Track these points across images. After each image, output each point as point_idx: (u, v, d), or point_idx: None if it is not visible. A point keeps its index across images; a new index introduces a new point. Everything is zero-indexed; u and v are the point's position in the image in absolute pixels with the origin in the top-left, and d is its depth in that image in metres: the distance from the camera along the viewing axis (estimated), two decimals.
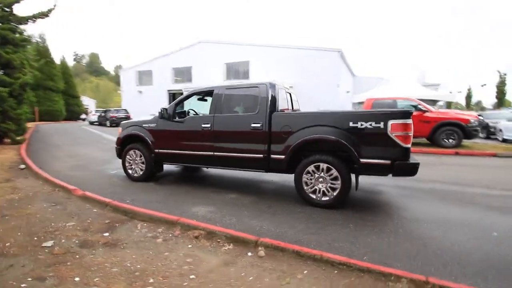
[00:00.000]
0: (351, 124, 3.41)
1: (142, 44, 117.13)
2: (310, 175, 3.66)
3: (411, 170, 3.25)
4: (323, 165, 3.56)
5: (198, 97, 5.02)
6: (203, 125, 4.30)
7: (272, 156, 3.87)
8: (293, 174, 3.78)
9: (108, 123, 20.82)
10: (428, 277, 1.95)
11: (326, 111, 3.71)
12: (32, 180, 5.04)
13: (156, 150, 4.75)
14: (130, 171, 5.11)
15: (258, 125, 3.90)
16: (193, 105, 5.18)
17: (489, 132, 13.01)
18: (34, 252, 2.43)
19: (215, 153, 4.24)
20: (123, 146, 5.18)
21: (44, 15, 9.76)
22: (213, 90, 4.44)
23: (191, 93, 4.70)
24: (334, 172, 3.51)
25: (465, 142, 9.24)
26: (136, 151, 4.97)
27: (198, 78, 21.51)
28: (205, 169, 5.93)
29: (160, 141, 4.73)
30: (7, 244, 2.57)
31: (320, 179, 3.61)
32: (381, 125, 3.27)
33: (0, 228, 2.90)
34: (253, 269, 2.14)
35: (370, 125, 3.32)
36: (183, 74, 23.05)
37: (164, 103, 23.32)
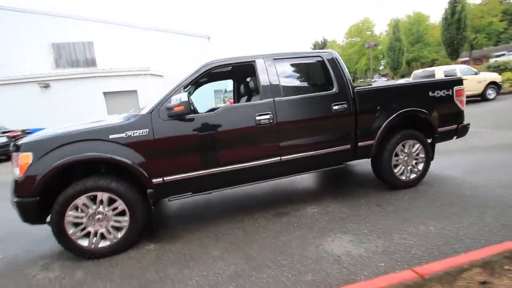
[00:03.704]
0: (430, 93, 3.28)
1: None
2: (397, 156, 3.23)
3: (467, 130, 3.64)
4: (411, 142, 3.25)
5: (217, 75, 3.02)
6: (258, 118, 2.64)
7: (359, 143, 3.05)
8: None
9: None
10: None
11: (409, 83, 3.36)
12: None
13: (157, 180, 2.44)
14: (83, 243, 2.35)
15: (343, 106, 2.90)
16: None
17: None
18: None
19: (282, 158, 2.76)
20: (49, 193, 2.28)
21: None
22: (254, 61, 2.79)
23: (210, 66, 2.69)
24: (419, 147, 3.30)
25: None
26: (101, 194, 2.32)
27: None
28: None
29: (166, 160, 2.46)
30: None
31: (406, 158, 3.29)
32: (450, 92, 3.38)
33: None
34: None
35: (444, 93, 3.34)
36: None
37: None
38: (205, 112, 2.69)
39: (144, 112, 2.48)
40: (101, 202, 2.35)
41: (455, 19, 20.46)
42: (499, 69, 16.27)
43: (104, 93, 12.94)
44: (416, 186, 3.35)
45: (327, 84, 2.96)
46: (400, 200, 3.03)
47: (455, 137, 3.57)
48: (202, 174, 2.56)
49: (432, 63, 44.19)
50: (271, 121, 2.67)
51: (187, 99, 2.31)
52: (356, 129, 3.00)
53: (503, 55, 35.30)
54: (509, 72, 14.10)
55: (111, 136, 2.33)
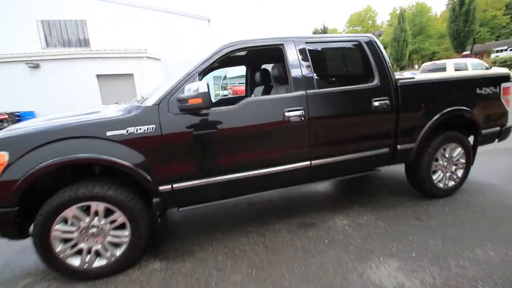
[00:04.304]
0: (478, 90, 2.86)
1: None
2: (436, 161, 2.84)
3: (509, 133, 3.26)
4: (453, 145, 2.86)
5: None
6: (288, 114, 2.18)
7: (399, 146, 2.64)
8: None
9: None
10: None
11: (456, 77, 2.92)
12: None
13: (165, 187, 2.00)
14: (74, 262, 1.93)
15: (385, 102, 2.46)
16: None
17: None
18: None
19: (313, 162, 2.33)
20: (32, 200, 1.84)
21: None
22: (282, 45, 2.30)
23: (230, 49, 2.18)
24: (461, 151, 2.91)
25: None
26: (95, 204, 1.87)
27: None
28: None
29: (176, 163, 2.02)
30: None
31: (446, 163, 2.90)
32: (498, 89, 2.97)
33: None
34: None
35: (491, 90, 2.93)
36: None
37: None
38: (219, 104, 2.20)
39: (149, 103, 2.00)
40: (96, 213, 1.91)
41: (463, 10, 19.83)
42: (506, 64, 15.91)
43: (98, 76, 12.16)
44: (454, 195, 2.99)
45: (366, 75, 2.51)
46: (441, 212, 2.66)
47: (497, 140, 3.19)
48: (218, 180, 2.12)
49: (432, 55, 43.59)
50: (303, 118, 2.22)
51: (206, 90, 1.84)
52: (396, 129, 2.58)
53: (506, 50, 34.91)
54: None
55: (108, 133, 1.86)
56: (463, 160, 2.95)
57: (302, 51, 2.30)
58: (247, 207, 3.09)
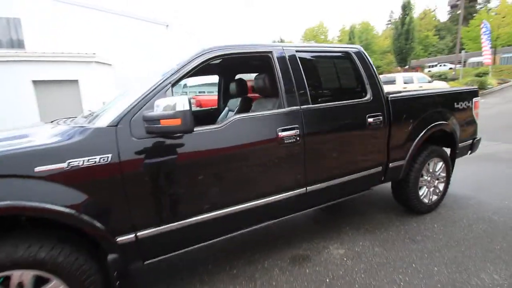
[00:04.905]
0: (455, 105, 2.89)
1: None
2: (422, 176, 2.78)
3: (478, 145, 3.38)
4: (436, 160, 2.83)
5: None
6: (281, 134, 1.83)
7: (390, 164, 2.48)
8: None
9: None
10: None
11: (438, 90, 2.89)
12: None
13: (126, 237, 1.47)
14: None
15: (378, 118, 2.28)
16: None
17: None
18: None
19: (308, 188, 2.01)
20: None
21: None
22: (271, 53, 1.96)
23: (211, 55, 1.75)
24: (442, 165, 2.90)
25: None
26: (19, 273, 1.27)
27: None
28: None
29: (143, 203, 1.51)
30: None
31: (429, 178, 2.85)
32: (471, 104, 3.06)
33: None
34: None
35: (465, 104, 3.00)
36: None
37: None
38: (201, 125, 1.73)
39: (101, 123, 1.47)
40: (20, 286, 1.30)
41: (404, 29, 22.38)
42: (441, 78, 18.13)
43: (34, 82, 10.43)
44: (437, 210, 2.96)
45: (358, 89, 2.31)
46: (431, 230, 2.56)
47: (469, 152, 3.29)
48: (198, 220, 1.66)
49: (376, 69, 48.40)
50: (298, 138, 1.90)
51: (187, 108, 1.39)
52: (388, 147, 2.43)
53: (435, 65, 40.25)
54: (451, 82, 15.72)
55: (37, 169, 1.29)
56: (444, 174, 2.95)
57: (293, 61, 2.00)
58: (226, 242, 2.61)
